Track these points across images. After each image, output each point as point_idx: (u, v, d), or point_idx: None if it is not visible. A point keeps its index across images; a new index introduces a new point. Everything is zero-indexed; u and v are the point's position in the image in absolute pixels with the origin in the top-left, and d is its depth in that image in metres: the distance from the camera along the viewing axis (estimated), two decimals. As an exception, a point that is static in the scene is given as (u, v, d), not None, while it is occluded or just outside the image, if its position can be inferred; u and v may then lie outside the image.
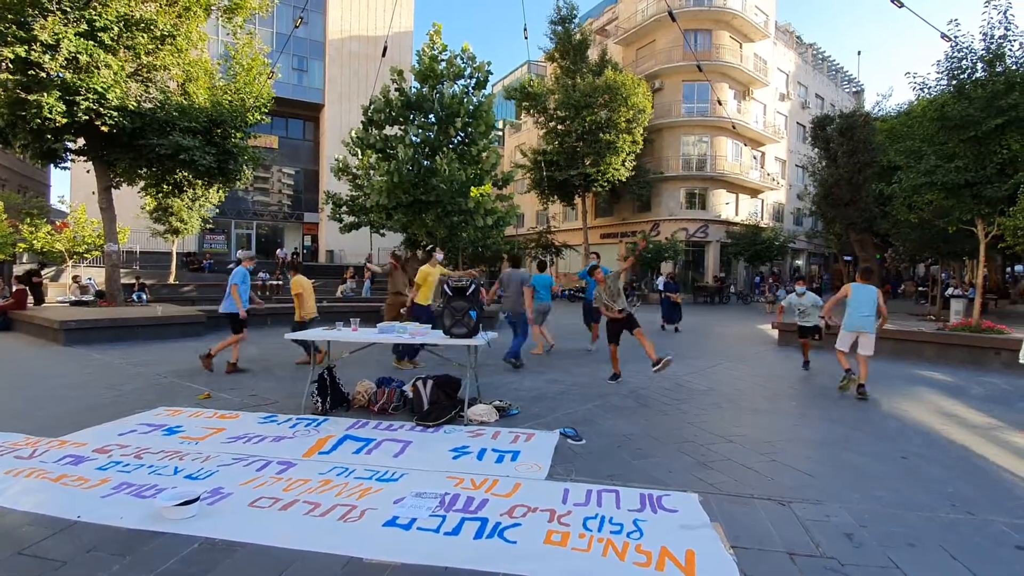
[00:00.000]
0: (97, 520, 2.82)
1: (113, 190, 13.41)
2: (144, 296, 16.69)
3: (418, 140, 14.36)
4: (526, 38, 8.96)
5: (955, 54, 11.53)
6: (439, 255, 7.80)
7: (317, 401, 4.99)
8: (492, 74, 15.18)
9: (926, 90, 12.29)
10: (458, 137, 14.94)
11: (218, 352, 7.04)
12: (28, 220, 19.41)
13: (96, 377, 6.66)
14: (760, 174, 31.54)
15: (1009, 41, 11.09)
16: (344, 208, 17.97)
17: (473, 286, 4.94)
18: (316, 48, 32.84)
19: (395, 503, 3.05)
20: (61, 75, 10.66)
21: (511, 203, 16.57)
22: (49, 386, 6.13)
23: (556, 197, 27.68)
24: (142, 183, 14.66)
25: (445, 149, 14.35)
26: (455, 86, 14.61)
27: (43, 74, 10.49)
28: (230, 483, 3.32)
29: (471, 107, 14.47)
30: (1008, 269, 31.77)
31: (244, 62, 13.93)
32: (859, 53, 64.91)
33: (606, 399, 5.75)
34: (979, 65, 11.37)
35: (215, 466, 3.62)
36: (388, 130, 15.28)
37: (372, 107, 14.63)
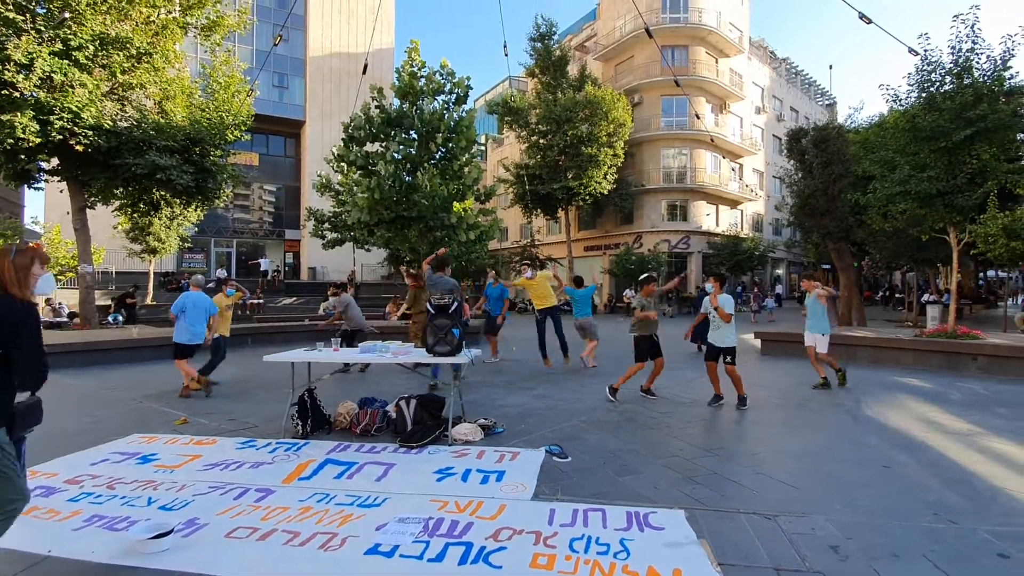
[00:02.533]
0: (68, 555, 2.72)
1: (88, 210, 13.16)
2: (120, 318, 16.33)
3: (399, 156, 14.36)
4: (506, 55, 9.09)
5: (925, 67, 11.90)
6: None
7: (297, 424, 4.89)
8: (472, 89, 15.29)
9: (898, 101, 12.65)
10: (439, 152, 14.97)
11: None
12: (0, 242, 18.94)
13: (68, 403, 6.45)
14: (739, 185, 32.12)
15: (976, 54, 11.47)
16: (327, 224, 17.87)
17: (456, 303, 4.91)
18: (297, 65, 32.85)
19: (377, 529, 2.97)
20: (35, 94, 10.49)
21: (494, 217, 16.62)
22: (18, 414, 5.91)
23: (539, 210, 27.85)
24: (117, 203, 14.42)
25: (426, 165, 14.36)
26: (435, 102, 14.67)
27: (16, 94, 10.31)
28: (206, 513, 3.22)
29: (452, 122, 14.54)
30: (981, 275, 32.62)
31: (221, 80, 13.85)
32: (831, 67, 67.03)
33: (592, 414, 5.72)
34: (947, 78, 11.74)
35: (191, 495, 3.51)
36: (369, 147, 15.26)
37: (352, 124, 14.62)
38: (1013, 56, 11.45)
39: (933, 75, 11.96)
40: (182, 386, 6.82)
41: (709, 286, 6.27)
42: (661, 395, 6.70)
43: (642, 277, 6.69)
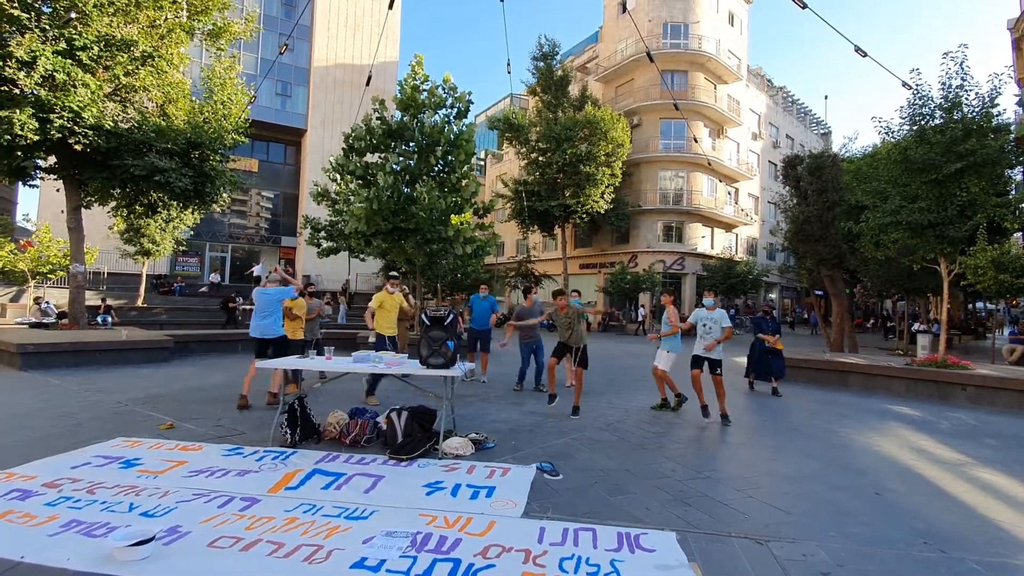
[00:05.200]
0: (42, 561, 2.64)
1: (83, 210, 13.07)
2: (109, 319, 16.15)
3: (398, 168, 14.41)
4: (509, 72, 9.15)
5: (916, 101, 12.14)
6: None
7: (286, 433, 4.82)
8: (473, 103, 15.39)
9: (891, 134, 12.88)
10: (439, 165, 15.04)
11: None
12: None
13: (52, 404, 6.34)
14: (734, 209, 32.44)
15: (965, 91, 11.73)
16: (323, 233, 17.82)
17: (451, 315, 4.90)
18: (300, 74, 33.06)
19: (364, 543, 2.92)
20: (36, 92, 10.47)
21: (491, 232, 16.65)
22: None
23: (536, 227, 27.98)
24: (114, 203, 14.34)
25: (425, 177, 14.41)
26: (436, 115, 14.78)
27: (16, 91, 10.29)
28: (189, 521, 3.15)
29: (452, 136, 14.63)
30: (969, 306, 32.96)
31: (220, 82, 13.90)
32: (826, 97, 68.43)
33: (583, 432, 5.69)
34: (938, 112, 11.98)
35: (174, 502, 3.43)
36: (369, 157, 15.32)
37: (353, 135, 14.69)
38: (1000, 94, 11.72)
39: (924, 109, 12.19)
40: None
41: (708, 300, 6.59)
42: (655, 415, 6.68)
43: (555, 289, 6.82)
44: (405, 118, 14.75)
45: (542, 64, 26.41)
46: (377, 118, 14.83)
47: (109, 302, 17.63)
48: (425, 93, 14.68)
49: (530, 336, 8.46)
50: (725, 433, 5.92)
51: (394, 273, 6.98)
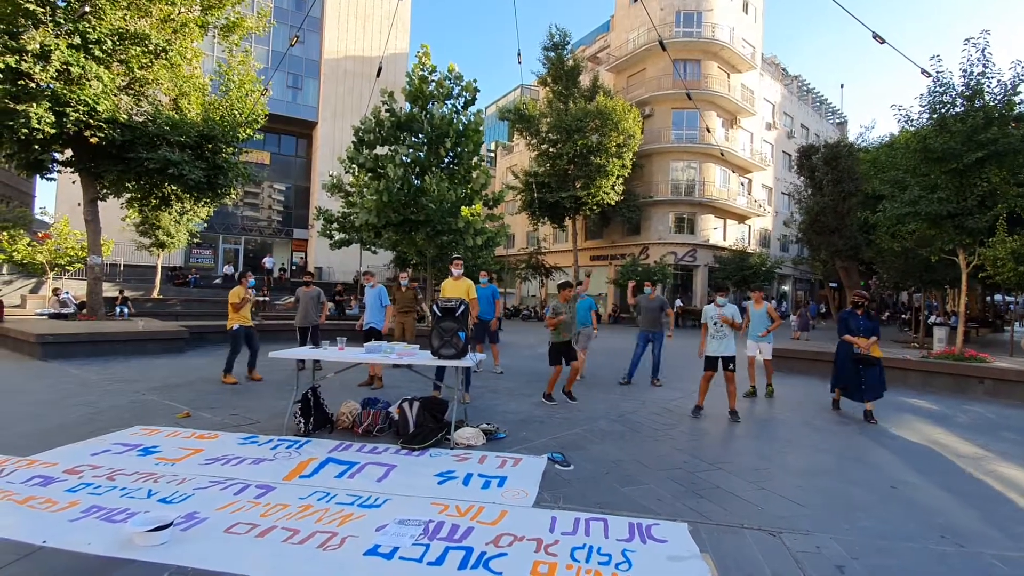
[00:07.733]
0: (64, 546, 2.70)
1: (99, 202, 13.25)
2: (126, 310, 16.40)
3: (408, 160, 14.42)
4: (519, 63, 9.10)
5: (936, 89, 11.89)
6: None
7: (300, 422, 4.88)
8: (480, 91, 15.29)
9: (910, 122, 12.64)
10: (448, 157, 15.02)
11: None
12: (7, 231, 19.03)
13: (71, 393, 6.47)
14: (747, 200, 32.05)
15: (987, 78, 11.46)
16: (335, 225, 17.91)
17: (463, 307, 4.90)
18: (311, 66, 33.12)
19: (377, 530, 2.95)
20: (51, 86, 10.59)
21: (501, 223, 16.64)
22: (21, 402, 5.93)
23: (547, 218, 27.89)
24: (128, 196, 14.52)
25: (435, 169, 14.41)
26: (444, 106, 14.74)
27: (32, 84, 10.42)
28: (206, 507, 3.20)
29: (460, 127, 14.59)
30: (988, 298, 32.38)
31: (236, 79, 13.97)
32: (842, 86, 67.21)
33: (594, 423, 5.69)
34: (959, 100, 11.72)
35: (191, 489, 3.49)
36: (379, 150, 15.34)
37: (363, 128, 14.70)
38: (1022, 82, 11.44)
39: (944, 97, 11.94)
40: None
41: (722, 299, 6.40)
42: (666, 407, 6.66)
43: (561, 281, 6.69)
44: (414, 110, 14.73)
45: (553, 54, 26.19)
46: (386, 110, 14.82)
47: (126, 293, 17.90)
48: (433, 84, 14.63)
49: (651, 326, 8.31)
50: (737, 426, 5.89)
51: (457, 256, 7.01)
